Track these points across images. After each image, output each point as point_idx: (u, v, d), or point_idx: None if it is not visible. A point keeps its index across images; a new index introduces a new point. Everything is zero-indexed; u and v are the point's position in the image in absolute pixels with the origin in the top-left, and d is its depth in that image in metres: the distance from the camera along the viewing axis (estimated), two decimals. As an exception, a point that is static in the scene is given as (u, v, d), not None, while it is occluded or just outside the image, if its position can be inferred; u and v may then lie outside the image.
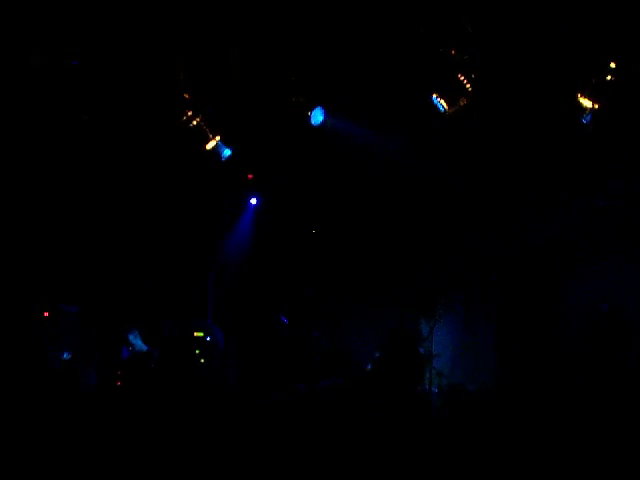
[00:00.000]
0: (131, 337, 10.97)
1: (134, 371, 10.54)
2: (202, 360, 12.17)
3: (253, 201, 13.38)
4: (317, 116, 10.64)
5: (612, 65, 9.23)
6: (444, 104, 9.92)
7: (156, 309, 12.33)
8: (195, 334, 12.39)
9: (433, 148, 11.87)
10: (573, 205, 11.47)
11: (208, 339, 12.39)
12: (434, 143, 11.65)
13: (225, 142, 11.44)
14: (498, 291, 12.50)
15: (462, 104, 10.05)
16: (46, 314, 10.49)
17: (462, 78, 9.68)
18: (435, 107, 10.03)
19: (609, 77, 9.31)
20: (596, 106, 9.68)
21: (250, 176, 12.57)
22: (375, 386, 10.06)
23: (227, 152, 11.59)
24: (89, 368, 10.53)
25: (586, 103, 9.74)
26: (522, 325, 11.60)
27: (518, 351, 11.38)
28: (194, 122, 10.91)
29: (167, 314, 12.53)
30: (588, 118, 10.08)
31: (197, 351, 12.22)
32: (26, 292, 10.45)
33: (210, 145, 11.29)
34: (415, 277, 12.61)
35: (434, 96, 9.86)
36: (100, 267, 11.57)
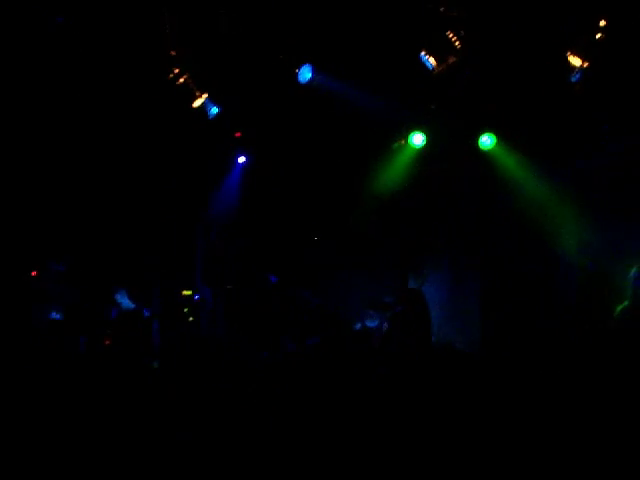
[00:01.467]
0: (118, 296, 10.94)
1: (123, 331, 10.55)
2: (191, 318, 12.21)
3: (241, 159, 13.31)
4: (305, 73, 10.56)
5: (602, 23, 9.19)
6: (433, 62, 9.86)
7: (144, 268, 12.30)
8: (183, 293, 12.41)
9: (421, 107, 11.87)
10: (557, 166, 11.51)
11: (196, 297, 12.42)
12: (422, 101, 11.65)
13: (213, 100, 11.35)
14: (483, 251, 12.59)
15: (451, 62, 10.00)
16: (34, 273, 10.46)
17: (451, 35, 9.61)
18: (423, 64, 9.98)
19: (599, 35, 9.26)
20: (585, 64, 9.65)
21: (238, 134, 12.49)
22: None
23: (214, 110, 11.50)
24: (77, 327, 10.51)
25: (575, 61, 9.70)
26: (507, 284, 11.67)
27: (503, 309, 11.48)
28: (181, 80, 10.80)
29: (155, 273, 12.51)
30: (577, 76, 10.05)
31: (185, 309, 12.25)
32: (12, 251, 10.41)
33: (197, 103, 11.19)
34: (403, 238, 12.64)
35: (422, 53, 9.78)
36: (87, 225, 11.52)
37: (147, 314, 10.85)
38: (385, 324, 11.74)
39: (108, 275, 11.78)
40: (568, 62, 9.66)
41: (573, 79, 9.99)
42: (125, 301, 10.92)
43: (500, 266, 11.82)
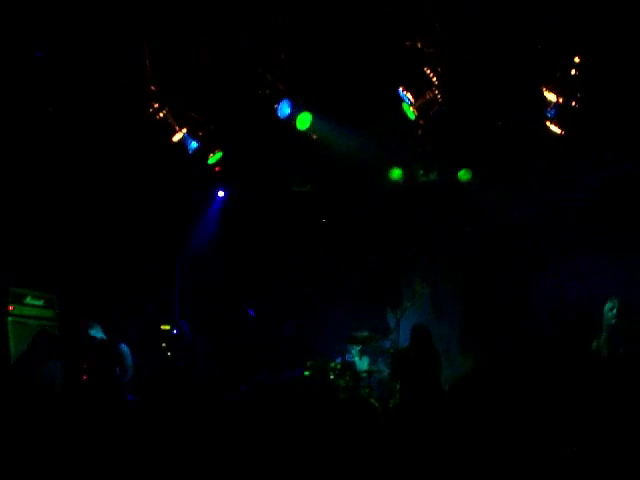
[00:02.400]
0: (92, 331, 10.88)
1: (99, 365, 10.48)
2: (169, 353, 12.15)
3: (220, 194, 13.36)
4: (284, 109, 10.64)
5: (576, 60, 9.32)
6: (410, 97, 9.95)
7: (121, 303, 12.25)
8: (162, 327, 12.36)
9: (399, 140, 11.98)
10: (538, 197, 11.65)
11: (175, 332, 12.37)
12: (400, 136, 11.77)
13: (192, 134, 11.40)
14: (464, 282, 12.67)
15: (428, 97, 10.10)
16: (11, 308, 10.39)
17: (428, 71, 9.71)
18: (401, 100, 10.07)
19: (573, 71, 9.40)
20: (560, 100, 9.78)
21: (217, 169, 12.51)
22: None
23: (194, 144, 11.54)
24: (55, 363, 10.43)
25: (550, 97, 9.84)
26: (488, 316, 11.74)
27: (484, 338, 11.53)
28: (160, 114, 10.84)
29: (133, 308, 12.47)
30: (553, 112, 10.19)
31: (163, 344, 12.19)
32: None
33: (177, 137, 11.23)
34: (382, 270, 12.69)
35: (400, 89, 9.88)
36: (64, 258, 11.46)
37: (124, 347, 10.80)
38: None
39: (84, 309, 11.73)
40: (544, 97, 9.80)
41: (549, 114, 10.13)
42: (99, 335, 10.87)
43: (481, 297, 11.90)
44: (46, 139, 10.54)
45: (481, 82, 10.07)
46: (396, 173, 12.45)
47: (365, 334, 11.85)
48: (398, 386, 10.57)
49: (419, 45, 9.43)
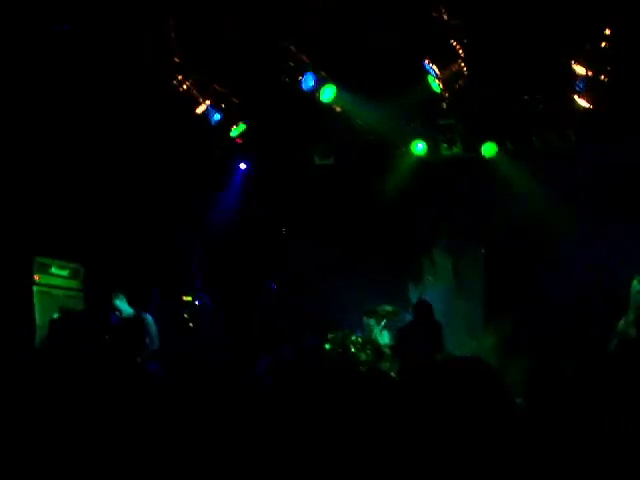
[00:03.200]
0: (117, 301, 10.93)
1: (123, 336, 10.52)
2: (191, 324, 12.19)
3: (242, 166, 13.33)
4: (308, 81, 10.57)
5: (607, 32, 9.20)
6: (436, 69, 9.87)
7: (144, 273, 12.28)
8: (184, 298, 12.39)
9: (423, 114, 11.92)
10: (561, 174, 11.56)
11: (197, 303, 12.40)
12: (425, 109, 11.70)
13: (215, 106, 11.36)
14: (486, 257, 12.64)
15: (454, 69, 10.01)
16: (37, 277, 10.46)
17: (454, 43, 9.61)
18: (427, 72, 10.00)
19: (604, 44, 9.28)
20: (589, 73, 9.67)
21: (239, 140, 12.48)
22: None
23: (217, 116, 11.51)
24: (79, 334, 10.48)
25: (579, 70, 9.73)
26: (510, 290, 11.69)
27: (506, 315, 11.49)
28: (184, 86, 10.81)
29: (155, 278, 12.50)
30: (581, 85, 10.08)
31: (186, 315, 12.23)
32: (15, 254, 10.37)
33: (200, 109, 11.20)
34: (403, 244, 12.65)
35: (426, 61, 9.79)
36: (89, 229, 11.48)
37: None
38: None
39: (109, 280, 11.78)
40: (572, 71, 9.69)
41: (577, 88, 10.03)
42: (125, 306, 10.91)
43: (503, 272, 11.85)
44: (71, 111, 10.52)
45: (508, 54, 9.94)
46: (419, 146, 12.37)
47: (388, 308, 11.83)
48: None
49: (445, 16, 9.30)
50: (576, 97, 10.30)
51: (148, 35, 9.61)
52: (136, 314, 11.03)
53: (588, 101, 10.13)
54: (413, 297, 12.30)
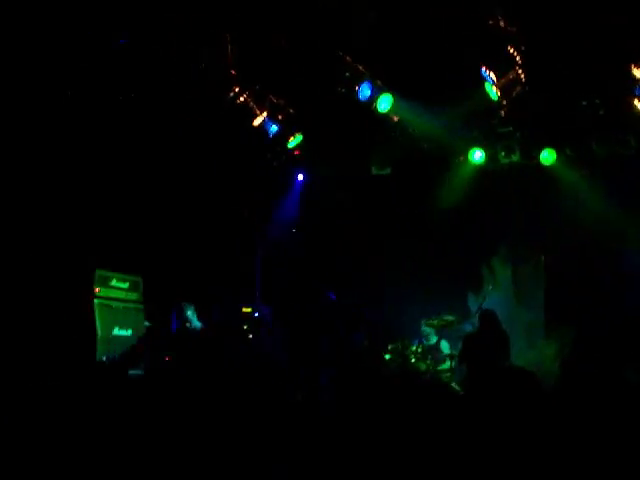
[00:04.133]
0: (189, 313, 11.05)
1: (185, 347, 10.61)
2: (250, 335, 12.23)
3: (300, 177, 13.39)
4: (365, 90, 10.59)
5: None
6: (493, 77, 9.81)
7: (204, 285, 12.38)
8: (243, 310, 12.45)
9: (481, 122, 11.85)
10: (621, 179, 11.39)
11: (256, 315, 12.45)
12: (482, 117, 11.63)
13: (272, 118, 11.44)
14: (547, 265, 12.49)
15: (511, 76, 9.93)
16: (97, 290, 10.59)
17: (512, 50, 9.54)
18: (484, 80, 9.94)
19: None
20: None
21: (297, 152, 12.55)
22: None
23: (274, 128, 11.59)
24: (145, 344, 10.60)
25: (639, 74, 9.59)
26: (572, 298, 11.52)
27: (569, 323, 11.31)
28: (241, 98, 10.90)
29: (215, 290, 12.58)
30: (640, 90, 9.95)
31: (245, 326, 12.29)
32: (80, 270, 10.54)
33: (257, 121, 11.28)
34: (463, 253, 12.56)
35: (483, 69, 9.73)
36: (149, 242, 11.61)
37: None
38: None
39: (168, 293, 11.91)
40: (632, 75, 9.55)
41: (637, 92, 9.89)
42: (195, 319, 11.03)
43: (564, 280, 11.69)
44: (133, 125, 10.68)
45: (565, 60, 9.84)
46: (477, 155, 12.30)
47: (448, 317, 11.77)
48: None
49: (502, 24, 9.24)
50: (636, 101, 10.16)
51: (205, 49, 9.71)
52: (203, 328, 11.15)
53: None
54: (473, 306, 12.18)
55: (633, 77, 9.62)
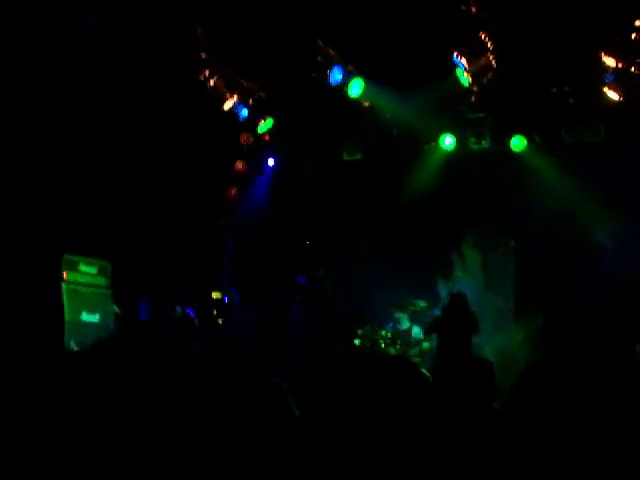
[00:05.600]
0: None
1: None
2: (220, 321, 12.19)
3: (270, 162, 13.32)
4: (336, 75, 10.55)
5: (637, 23, 9.10)
6: (465, 62, 9.81)
7: (172, 271, 12.30)
8: (213, 295, 12.40)
9: (451, 107, 11.84)
10: (590, 167, 11.45)
11: (226, 300, 12.40)
12: (453, 103, 11.63)
13: (242, 102, 11.37)
14: (516, 250, 12.55)
15: (483, 63, 9.94)
16: (65, 275, 10.48)
17: (483, 36, 9.54)
18: (455, 66, 9.94)
19: (634, 36, 9.17)
20: (619, 65, 9.57)
21: (267, 137, 12.50)
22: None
23: (245, 112, 11.52)
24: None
25: (609, 62, 9.63)
26: (541, 284, 11.58)
27: (538, 309, 11.39)
28: (211, 81, 10.82)
29: (183, 275, 12.51)
30: (611, 77, 9.99)
31: (215, 312, 12.24)
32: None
33: (227, 105, 11.21)
34: (433, 239, 12.57)
35: (455, 54, 9.73)
36: (116, 228, 11.48)
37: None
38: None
39: (136, 278, 11.84)
40: (602, 63, 9.60)
41: (606, 80, 9.94)
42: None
43: (533, 266, 11.75)
44: (98, 106, 10.54)
45: (536, 47, 9.86)
46: (448, 140, 12.31)
47: (418, 303, 11.80)
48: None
49: (474, 9, 9.23)
50: (606, 89, 10.22)
51: (174, 31, 9.61)
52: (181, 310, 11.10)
53: (618, 93, 10.04)
54: (442, 292, 12.21)
55: (603, 65, 9.67)
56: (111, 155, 11.15)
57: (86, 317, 10.62)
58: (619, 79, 9.91)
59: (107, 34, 9.44)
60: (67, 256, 10.61)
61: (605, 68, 9.77)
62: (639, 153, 10.79)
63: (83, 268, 10.89)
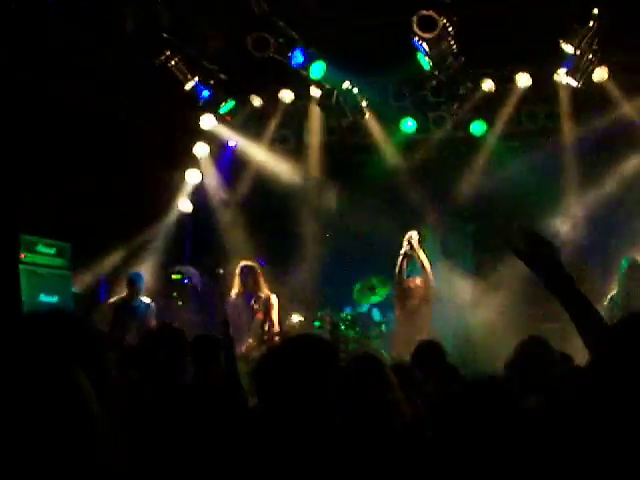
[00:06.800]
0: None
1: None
2: (180, 303, 12.14)
3: (232, 143, 13.27)
4: (298, 57, 10.55)
5: (594, 11, 9.21)
6: (426, 47, 9.86)
7: (132, 252, 12.24)
8: (172, 276, 12.34)
9: (412, 91, 11.89)
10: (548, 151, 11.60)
11: (185, 282, 12.35)
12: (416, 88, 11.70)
13: (204, 83, 11.32)
14: (474, 235, 12.68)
15: (444, 47, 10.00)
16: (23, 255, 10.38)
17: (444, 21, 9.57)
18: (417, 49, 9.99)
19: (591, 23, 9.29)
20: (577, 52, 9.68)
21: (229, 118, 12.45)
22: None
23: (206, 93, 11.48)
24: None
25: (567, 49, 9.74)
26: (498, 268, 11.70)
27: (496, 295, 11.52)
28: (172, 62, 10.76)
29: (144, 257, 12.45)
30: (569, 64, 10.11)
31: (174, 294, 12.19)
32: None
33: (189, 86, 11.16)
34: (392, 222, 12.62)
35: (416, 38, 9.76)
36: (76, 209, 11.38)
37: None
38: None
39: (96, 259, 11.77)
40: (561, 49, 9.71)
41: (566, 67, 10.06)
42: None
43: (491, 249, 11.86)
44: (53, 87, 10.41)
45: (497, 32, 9.92)
46: (409, 124, 12.35)
47: (379, 285, 11.85)
48: None
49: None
50: (564, 76, 10.36)
51: (134, 10, 9.50)
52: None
53: (575, 79, 10.17)
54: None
55: (562, 52, 9.77)
56: (69, 138, 11.03)
57: (44, 298, 10.54)
58: (576, 65, 10.05)
59: (67, 12, 9.31)
60: (25, 237, 10.51)
61: (564, 55, 9.88)
62: (595, 140, 11.02)
63: (42, 249, 10.80)
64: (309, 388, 3.23)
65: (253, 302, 10.45)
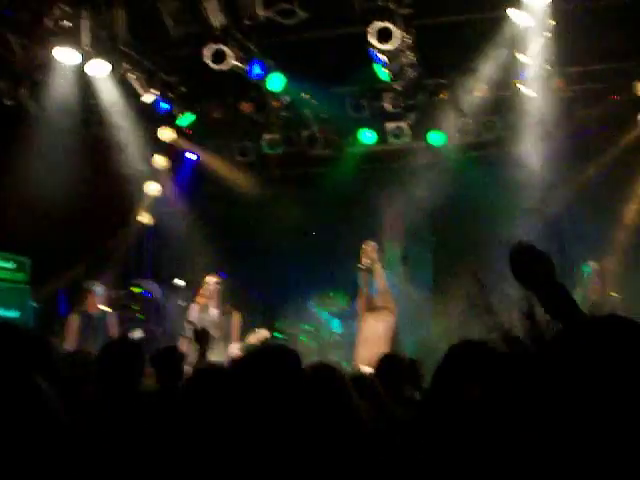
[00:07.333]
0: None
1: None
2: (141, 316, 12.09)
3: (192, 156, 13.26)
4: (256, 69, 10.55)
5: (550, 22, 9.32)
6: (384, 58, 9.89)
7: (92, 266, 12.15)
8: (132, 290, 12.28)
9: (371, 102, 11.94)
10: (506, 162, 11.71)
11: (146, 294, 12.30)
12: (375, 99, 11.75)
13: (163, 96, 11.30)
14: (435, 246, 12.74)
15: (403, 59, 10.05)
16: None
17: (403, 32, 9.62)
18: (374, 61, 10.03)
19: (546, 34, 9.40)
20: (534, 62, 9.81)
21: (189, 131, 12.44)
22: None
23: (165, 106, 11.46)
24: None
25: (524, 59, 9.86)
26: (458, 279, 11.75)
27: (454, 300, 11.58)
28: (132, 75, 10.73)
29: (104, 271, 12.36)
30: (524, 75, 10.25)
31: (135, 307, 12.13)
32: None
33: (148, 99, 11.11)
34: (352, 232, 12.65)
35: (374, 50, 9.80)
36: (35, 224, 11.27)
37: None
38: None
39: (55, 273, 11.67)
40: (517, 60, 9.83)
41: (521, 77, 10.19)
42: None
43: (451, 260, 11.95)
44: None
45: (455, 43, 10.01)
46: (368, 135, 12.40)
47: (338, 296, 11.88)
48: None
49: (391, 5, 9.32)
50: (521, 86, 10.47)
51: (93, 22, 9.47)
52: None
53: (532, 89, 10.29)
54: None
55: (518, 62, 9.90)
56: (27, 152, 10.95)
57: (4, 312, 10.44)
58: (533, 76, 10.17)
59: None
60: (-18, 251, 10.42)
61: (520, 65, 10.00)
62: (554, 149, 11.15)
63: (1, 263, 10.71)
64: (274, 397, 3.24)
65: (215, 315, 10.40)
